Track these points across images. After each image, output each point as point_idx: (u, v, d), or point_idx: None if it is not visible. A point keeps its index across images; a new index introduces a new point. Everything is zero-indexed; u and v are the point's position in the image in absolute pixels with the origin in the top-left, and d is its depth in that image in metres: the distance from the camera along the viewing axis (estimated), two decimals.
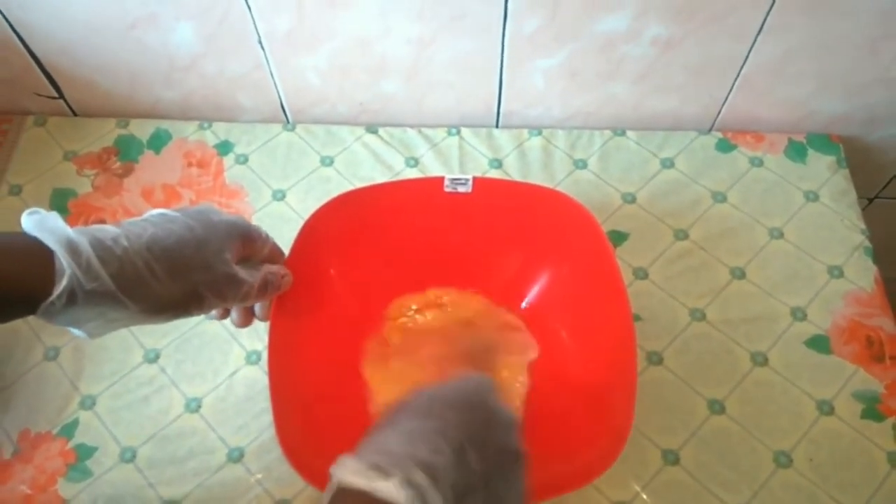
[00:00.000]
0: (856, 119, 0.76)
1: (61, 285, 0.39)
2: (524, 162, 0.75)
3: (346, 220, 0.61)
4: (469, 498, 0.37)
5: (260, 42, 0.70)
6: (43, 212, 0.41)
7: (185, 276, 0.44)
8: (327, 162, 0.75)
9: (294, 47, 0.71)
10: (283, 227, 0.69)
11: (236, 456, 0.59)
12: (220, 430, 0.60)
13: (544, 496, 0.49)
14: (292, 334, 0.55)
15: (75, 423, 0.60)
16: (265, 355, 0.55)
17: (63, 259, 0.39)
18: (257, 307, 0.53)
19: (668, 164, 0.75)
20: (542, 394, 0.59)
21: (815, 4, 0.64)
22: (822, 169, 0.74)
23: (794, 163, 0.75)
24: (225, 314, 0.51)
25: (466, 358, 0.61)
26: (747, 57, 0.69)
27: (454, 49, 0.70)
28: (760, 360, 0.63)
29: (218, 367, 0.63)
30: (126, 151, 0.76)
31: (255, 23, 0.68)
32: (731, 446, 0.59)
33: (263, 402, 0.60)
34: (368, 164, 0.75)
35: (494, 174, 0.74)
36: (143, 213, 0.46)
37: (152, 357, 0.64)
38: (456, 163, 0.75)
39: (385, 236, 0.62)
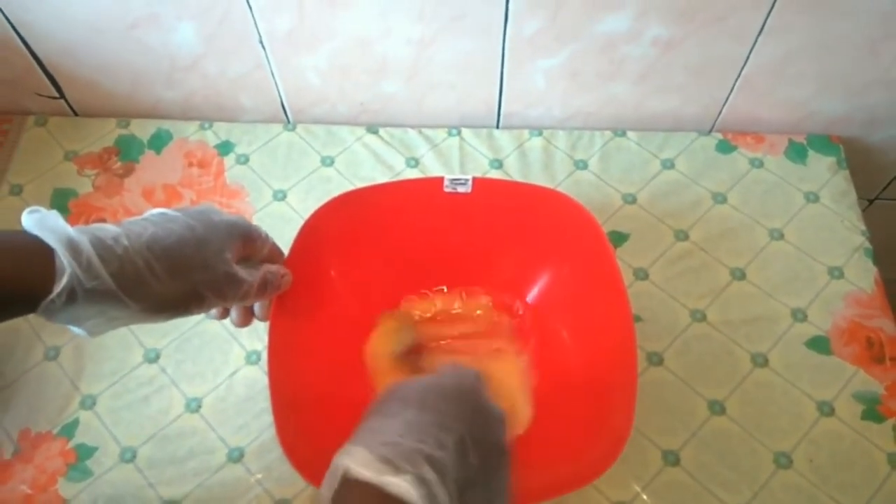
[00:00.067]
0: (856, 120, 0.76)
1: (61, 283, 0.39)
2: (525, 162, 0.75)
3: (346, 220, 0.61)
4: (469, 493, 0.37)
5: (261, 42, 0.70)
6: (43, 210, 0.41)
7: (185, 275, 0.44)
8: (328, 162, 0.75)
9: (295, 47, 0.71)
10: (283, 227, 0.69)
11: (236, 456, 0.59)
12: (220, 429, 0.60)
13: (545, 496, 0.49)
14: (292, 334, 0.55)
15: (76, 422, 0.60)
16: (265, 355, 0.55)
17: (63, 257, 0.39)
18: (257, 307, 0.53)
19: (668, 164, 0.75)
20: (542, 394, 0.59)
21: (815, 5, 0.64)
22: (823, 170, 0.74)
23: (795, 164, 0.75)
24: (225, 314, 0.51)
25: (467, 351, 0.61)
26: (748, 58, 0.69)
27: (455, 49, 0.70)
28: (761, 360, 0.63)
29: (218, 366, 0.63)
30: (127, 151, 0.76)
31: (255, 23, 0.68)
32: (731, 447, 0.59)
33: (263, 402, 0.60)
34: (369, 165, 0.75)
35: (495, 175, 0.74)
36: (144, 212, 0.46)
37: (152, 357, 0.64)
38: (456, 163, 0.75)
39: (385, 236, 0.62)
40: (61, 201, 0.72)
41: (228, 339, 0.64)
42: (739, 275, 0.68)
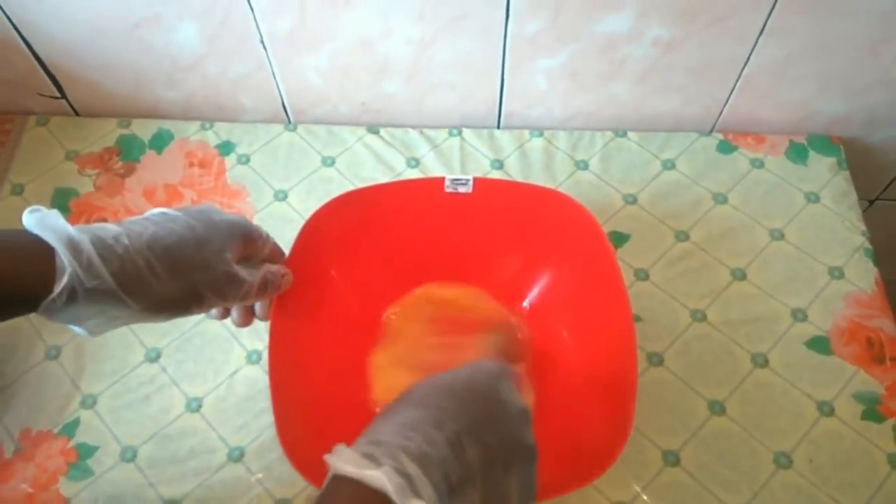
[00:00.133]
0: (856, 120, 0.76)
1: (62, 283, 0.39)
2: (525, 163, 0.75)
3: (346, 220, 0.61)
4: (465, 489, 0.36)
5: (262, 42, 0.70)
6: (44, 210, 0.41)
7: (185, 274, 0.44)
8: (329, 162, 0.76)
9: (296, 47, 0.71)
10: (284, 227, 0.69)
11: (237, 455, 0.59)
12: (220, 429, 0.60)
13: (545, 496, 0.49)
14: (293, 334, 0.56)
15: (76, 422, 0.60)
16: (266, 355, 0.55)
17: (64, 257, 0.39)
18: (257, 307, 0.53)
19: (669, 165, 0.75)
20: (542, 394, 0.59)
21: (816, 6, 0.64)
22: (823, 170, 0.74)
23: (795, 164, 0.75)
24: (225, 313, 0.51)
25: (486, 345, 0.61)
26: (748, 58, 0.69)
27: (455, 49, 0.70)
28: (761, 361, 0.63)
29: (219, 366, 0.63)
30: (128, 151, 0.76)
31: (257, 23, 0.68)
32: (731, 447, 0.59)
33: (264, 402, 0.60)
34: (370, 165, 0.75)
35: (496, 175, 0.74)
36: (145, 212, 0.46)
37: (153, 356, 0.64)
38: (457, 164, 0.75)
39: (386, 236, 0.62)
40: (62, 201, 0.73)
41: (229, 338, 0.65)
42: (740, 275, 0.68)
